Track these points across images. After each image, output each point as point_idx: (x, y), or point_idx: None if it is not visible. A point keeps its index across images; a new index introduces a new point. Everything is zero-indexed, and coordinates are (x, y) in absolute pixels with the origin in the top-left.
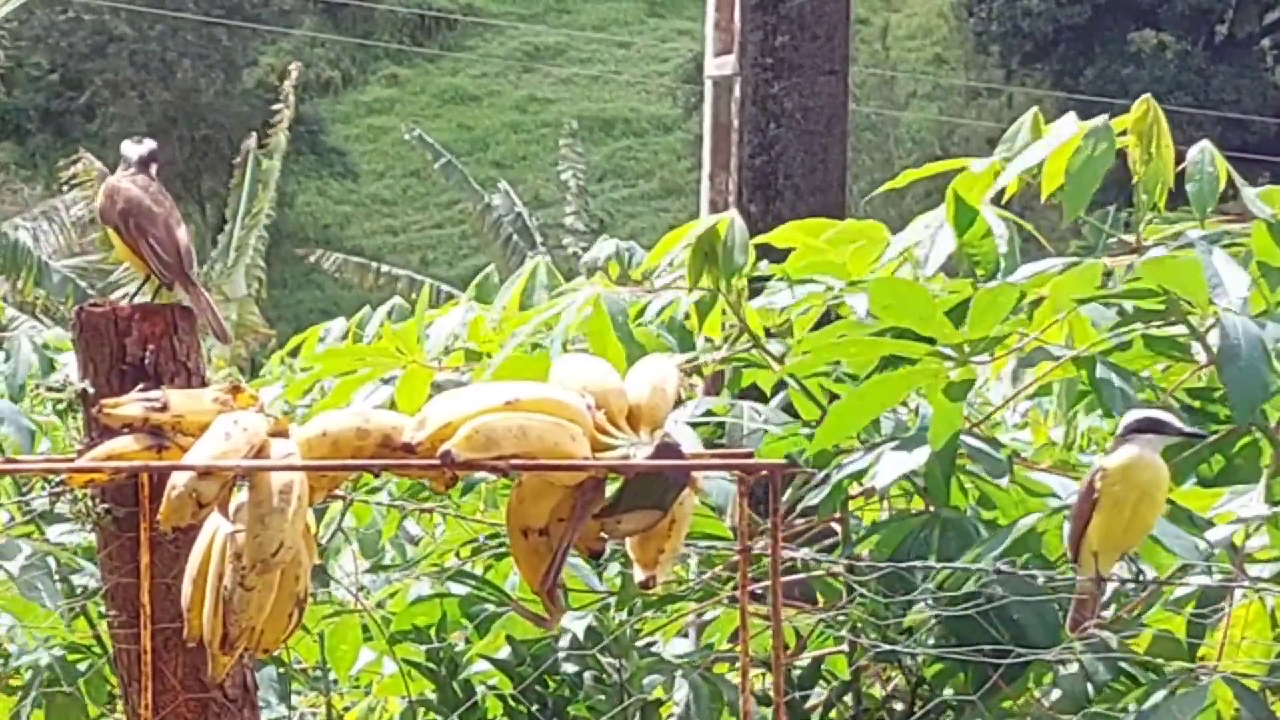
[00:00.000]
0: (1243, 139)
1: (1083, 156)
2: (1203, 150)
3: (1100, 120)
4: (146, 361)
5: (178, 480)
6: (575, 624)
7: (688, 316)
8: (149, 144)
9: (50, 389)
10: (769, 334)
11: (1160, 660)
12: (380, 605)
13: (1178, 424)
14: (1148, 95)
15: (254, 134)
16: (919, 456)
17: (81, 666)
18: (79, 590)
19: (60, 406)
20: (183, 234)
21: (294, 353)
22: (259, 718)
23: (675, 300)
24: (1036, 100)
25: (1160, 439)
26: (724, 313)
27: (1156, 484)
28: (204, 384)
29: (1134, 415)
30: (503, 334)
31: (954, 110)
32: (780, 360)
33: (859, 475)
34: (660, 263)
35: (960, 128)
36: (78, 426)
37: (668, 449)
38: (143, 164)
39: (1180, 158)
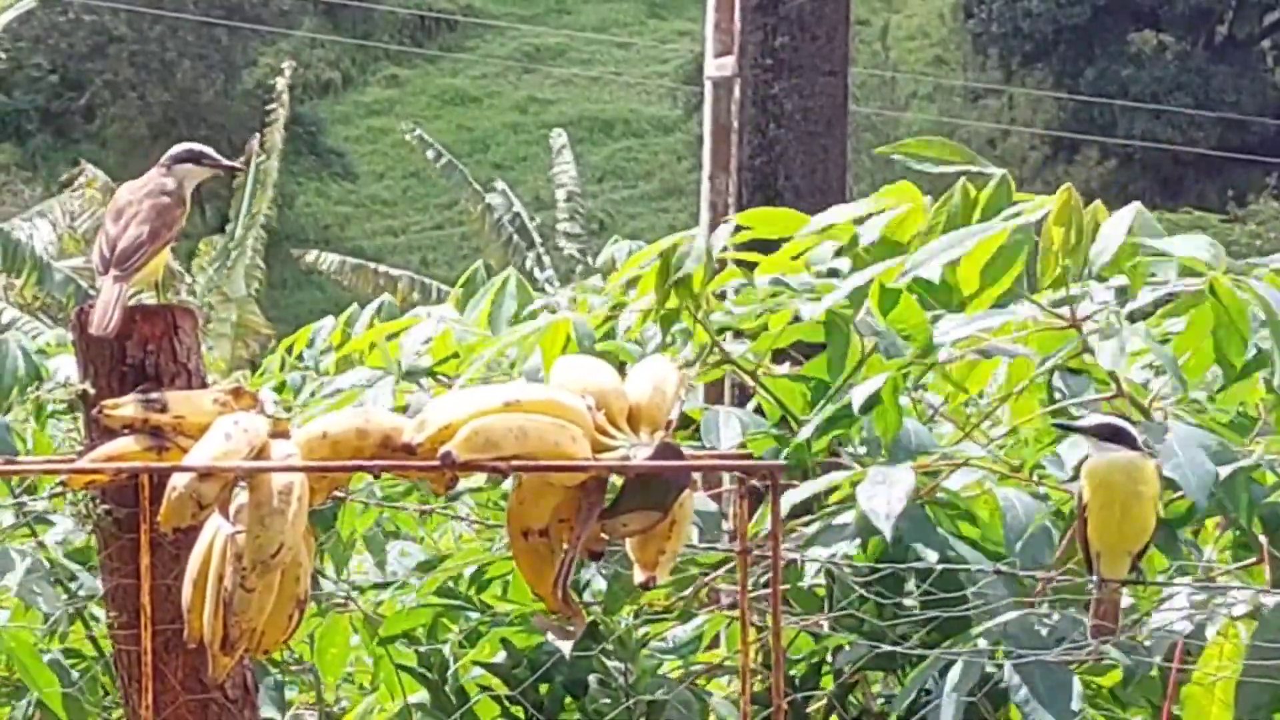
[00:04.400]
0: (1243, 139)
1: (1003, 255)
2: (1132, 212)
3: (1025, 221)
4: (147, 363)
5: (178, 481)
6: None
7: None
8: (182, 146)
9: (54, 390)
10: (741, 335)
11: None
12: (376, 608)
13: (1081, 423)
14: (1068, 185)
15: (258, 135)
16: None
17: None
18: (77, 594)
19: (46, 413)
20: (139, 229)
21: (289, 350)
22: (259, 718)
23: (639, 319)
24: (1036, 100)
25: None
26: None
27: (1135, 479)
28: (204, 385)
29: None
30: (475, 350)
31: (954, 111)
32: (753, 372)
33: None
34: (623, 279)
35: (960, 128)
36: (76, 429)
37: (668, 450)
38: (162, 165)
39: (1175, 173)
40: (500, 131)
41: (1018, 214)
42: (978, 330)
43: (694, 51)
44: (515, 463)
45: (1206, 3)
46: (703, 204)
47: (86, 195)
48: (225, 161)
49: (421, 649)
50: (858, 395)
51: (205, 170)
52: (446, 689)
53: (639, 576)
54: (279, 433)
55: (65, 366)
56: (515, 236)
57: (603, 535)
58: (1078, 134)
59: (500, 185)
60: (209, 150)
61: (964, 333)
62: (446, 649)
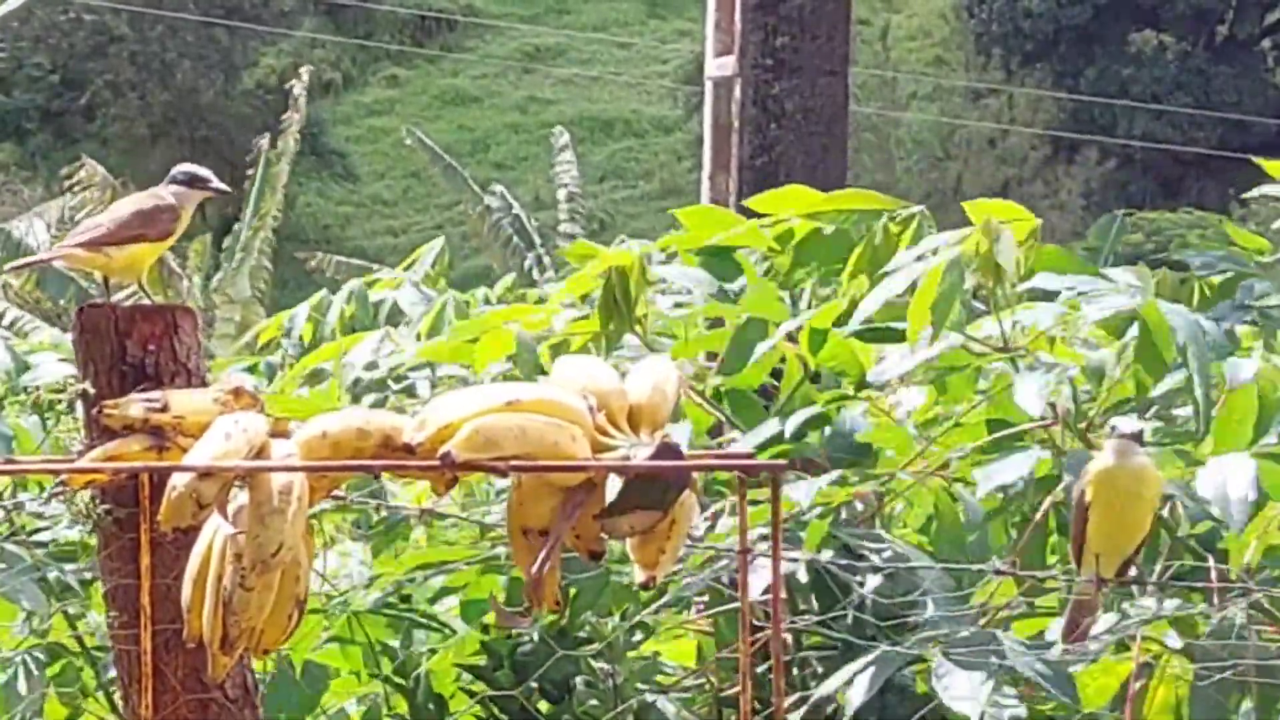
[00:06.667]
0: (1243, 140)
1: (942, 288)
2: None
3: (951, 255)
4: (147, 362)
5: (178, 481)
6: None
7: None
8: (180, 167)
9: (54, 389)
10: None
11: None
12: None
13: (1122, 428)
14: (989, 217)
15: (267, 135)
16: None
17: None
18: (61, 590)
19: (43, 409)
20: (104, 219)
21: (263, 346)
22: (259, 718)
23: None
24: (1036, 100)
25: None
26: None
27: (1141, 483)
28: (204, 384)
29: (1116, 423)
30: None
31: (954, 111)
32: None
33: None
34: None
35: (961, 128)
36: (76, 428)
37: (668, 450)
38: (165, 184)
39: (1175, 173)
40: (500, 131)
41: (935, 249)
42: (919, 363)
43: (694, 51)
44: (515, 462)
45: (1206, 3)
46: (703, 203)
47: (84, 196)
48: (216, 185)
49: (399, 660)
50: (791, 424)
51: (199, 193)
52: (426, 701)
53: (639, 576)
54: (279, 432)
55: (46, 363)
56: (515, 237)
57: (602, 535)
58: (1078, 134)
59: (498, 188)
60: (203, 174)
61: (906, 367)
62: (423, 646)
